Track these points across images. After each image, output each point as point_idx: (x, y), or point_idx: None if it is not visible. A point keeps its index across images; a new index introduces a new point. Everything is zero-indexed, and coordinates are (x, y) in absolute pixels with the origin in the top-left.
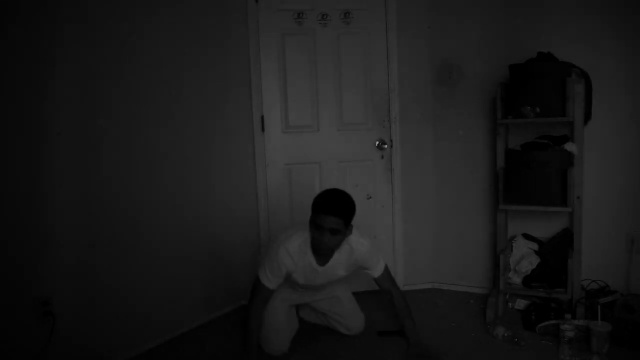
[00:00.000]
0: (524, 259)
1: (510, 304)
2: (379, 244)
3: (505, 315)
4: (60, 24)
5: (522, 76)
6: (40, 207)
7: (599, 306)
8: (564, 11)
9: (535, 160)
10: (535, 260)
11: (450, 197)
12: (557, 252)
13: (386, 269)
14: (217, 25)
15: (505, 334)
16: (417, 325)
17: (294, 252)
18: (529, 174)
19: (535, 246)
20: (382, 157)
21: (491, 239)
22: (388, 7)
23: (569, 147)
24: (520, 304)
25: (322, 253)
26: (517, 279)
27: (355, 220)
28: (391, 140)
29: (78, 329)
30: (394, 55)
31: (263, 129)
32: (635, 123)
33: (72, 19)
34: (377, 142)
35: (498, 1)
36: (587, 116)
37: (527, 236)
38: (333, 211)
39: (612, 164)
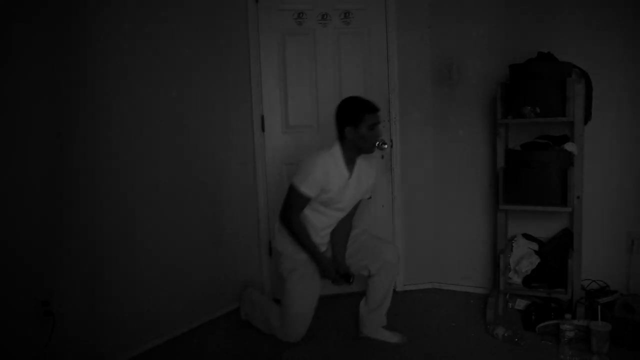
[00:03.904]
0: (524, 259)
1: (510, 304)
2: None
3: (505, 315)
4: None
5: (522, 76)
6: (40, 207)
7: (599, 306)
8: (564, 11)
9: (535, 160)
10: (535, 260)
11: (451, 197)
12: (557, 252)
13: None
14: (217, 26)
15: (505, 334)
16: (417, 325)
17: (327, 161)
18: (529, 174)
19: (535, 246)
20: (382, 157)
21: (491, 239)
22: (388, 7)
23: (569, 147)
24: (520, 304)
25: (369, 152)
26: (517, 279)
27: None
28: (391, 140)
29: (78, 329)
30: (394, 55)
31: (263, 129)
32: (635, 123)
33: (74, 18)
34: (377, 142)
35: (498, 1)
36: (587, 116)
37: (527, 236)
38: (378, 107)
39: (612, 164)
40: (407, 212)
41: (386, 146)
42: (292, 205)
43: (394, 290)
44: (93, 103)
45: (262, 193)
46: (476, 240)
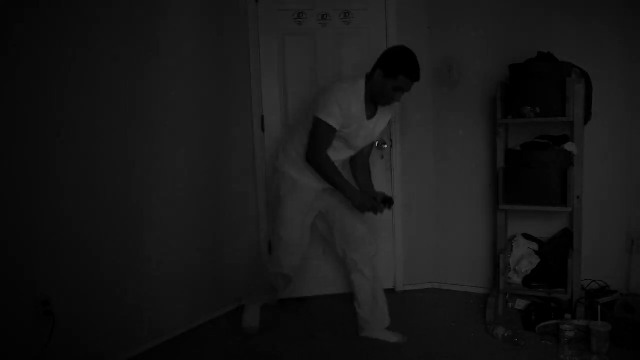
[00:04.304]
0: (524, 259)
1: (510, 304)
2: (379, 243)
3: (505, 315)
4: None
5: (522, 76)
6: (40, 207)
7: (599, 306)
8: (564, 11)
9: (535, 160)
10: (535, 260)
11: (451, 197)
12: (557, 252)
13: None
14: (217, 25)
15: (505, 334)
16: (417, 325)
17: (347, 92)
18: (529, 174)
19: (535, 246)
20: (382, 157)
21: (491, 239)
22: (388, 7)
23: (569, 147)
24: (520, 304)
25: (382, 104)
26: (517, 279)
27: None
28: (391, 140)
29: (78, 329)
30: None
31: (263, 129)
32: (635, 123)
33: (73, 19)
34: (376, 142)
35: (498, 1)
36: (587, 116)
37: (527, 236)
38: (419, 78)
39: (612, 164)
40: (407, 212)
41: (386, 146)
42: (320, 142)
43: (394, 290)
44: (90, 103)
45: (262, 193)
46: (476, 240)
